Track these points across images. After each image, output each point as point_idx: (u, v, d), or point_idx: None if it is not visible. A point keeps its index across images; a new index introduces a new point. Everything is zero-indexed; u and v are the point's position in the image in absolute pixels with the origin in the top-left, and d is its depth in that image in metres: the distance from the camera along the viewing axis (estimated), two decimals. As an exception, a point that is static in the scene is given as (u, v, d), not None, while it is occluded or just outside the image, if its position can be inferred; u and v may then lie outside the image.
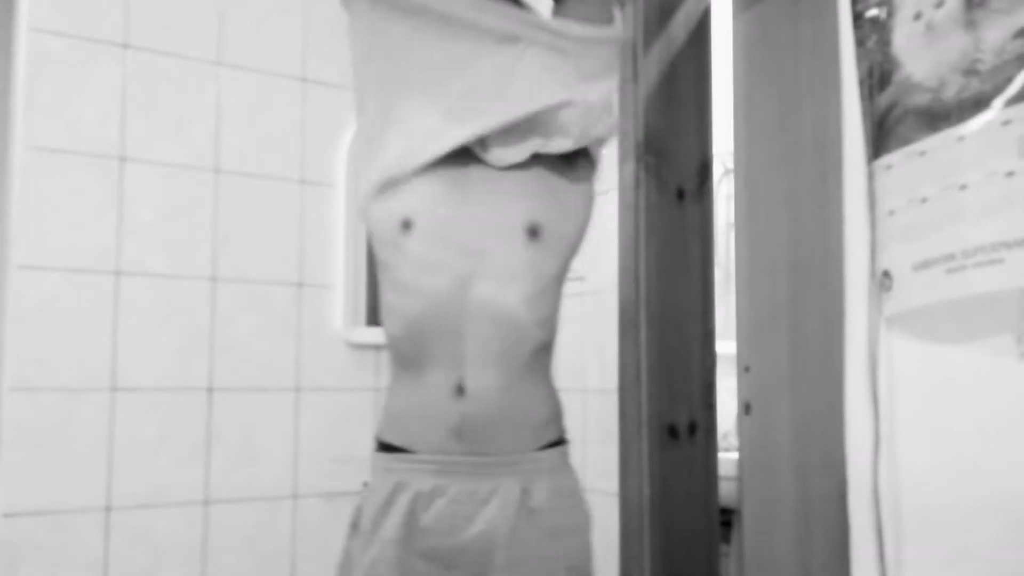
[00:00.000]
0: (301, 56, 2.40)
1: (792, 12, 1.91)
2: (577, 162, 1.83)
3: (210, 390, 2.24)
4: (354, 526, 1.77)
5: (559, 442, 1.82)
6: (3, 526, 2.01)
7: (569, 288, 2.70)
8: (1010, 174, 1.29)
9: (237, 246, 2.29)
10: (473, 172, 1.76)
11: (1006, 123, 1.30)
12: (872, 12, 1.57)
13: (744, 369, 2.01)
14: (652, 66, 2.34)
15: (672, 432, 2.29)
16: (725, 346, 2.27)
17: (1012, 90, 1.30)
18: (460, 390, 1.69)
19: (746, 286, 2.02)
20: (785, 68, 1.92)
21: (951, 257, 1.38)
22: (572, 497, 1.82)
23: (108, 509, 2.11)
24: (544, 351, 1.79)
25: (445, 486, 1.70)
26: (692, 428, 2.32)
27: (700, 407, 2.34)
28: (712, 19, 2.40)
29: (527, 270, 1.73)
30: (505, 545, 1.69)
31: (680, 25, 2.37)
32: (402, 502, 1.71)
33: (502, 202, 1.75)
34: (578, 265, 2.62)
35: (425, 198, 1.75)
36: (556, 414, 1.83)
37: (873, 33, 1.57)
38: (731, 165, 2.13)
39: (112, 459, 2.12)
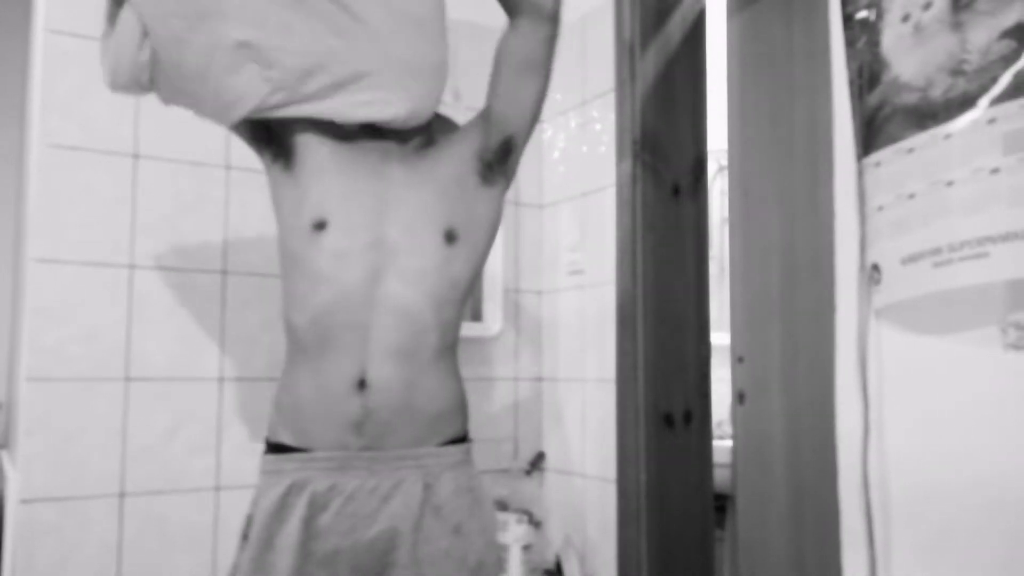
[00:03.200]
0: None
1: (784, 14, 1.91)
2: (495, 178, 1.80)
3: (221, 380, 2.24)
4: (244, 537, 1.68)
5: (463, 439, 1.77)
6: (20, 511, 2.01)
7: (568, 281, 2.72)
8: (995, 171, 1.30)
9: (247, 240, 2.30)
10: (395, 174, 1.75)
11: (991, 121, 1.31)
12: (862, 14, 1.58)
13: (738, 359, 2.01)
14: (648, 66, 2.35)
15: (668, 421, 2.30)
16: (719, 337, 2.28)
17: (997, 89, 1.30)
18: (362, 384, 1.63)
19: (740, 279, 2.03)
20: (777, 68, 1.93)
21: (938, 251, 1.38)
22: (476, 495, 1.73)
23: (122, 495, 2.11)
24: (447, 350, 1.74)
25: (343, 484, 1.63)
26: (687, 417, 2.33)
27: (695, 396, 2.34)
28: (707, 21, 2.41)
29: (440, 274, 1.70)
30: (409, 542, 1.63)
31: (676, 27, 2.38)
32: (299, 505, 1.62)
33: (423, 205, 1.72)
34: (577, 259, 2.64)
35: (339, 199, 1.72)
36: (460, 409, 1.77)
37: (863, 34, 1.57)
38: (725, 162, 2.13)
39: (126, 446, 2.12)
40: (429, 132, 1.82)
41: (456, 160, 1.77)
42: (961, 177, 1.35)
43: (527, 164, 2.74)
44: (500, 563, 1.74)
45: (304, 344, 1.70)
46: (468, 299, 1.80)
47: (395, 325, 1.65)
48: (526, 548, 2.43)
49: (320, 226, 1.69)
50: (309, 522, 1.63)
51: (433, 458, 1.67)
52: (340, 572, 1.62)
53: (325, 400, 1.65)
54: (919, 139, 1.43)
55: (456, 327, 1.76)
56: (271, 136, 1.76)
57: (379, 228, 1.69)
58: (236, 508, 2.24)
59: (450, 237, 1.71)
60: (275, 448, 1.70)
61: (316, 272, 1.68)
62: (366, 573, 1.62)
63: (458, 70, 2.55)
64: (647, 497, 2.25)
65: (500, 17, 1.74)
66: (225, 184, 2.27)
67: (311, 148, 1.75)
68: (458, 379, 1.77)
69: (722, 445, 2.42)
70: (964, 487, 1.42)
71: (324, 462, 1.65)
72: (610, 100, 2.46)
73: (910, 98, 1.45)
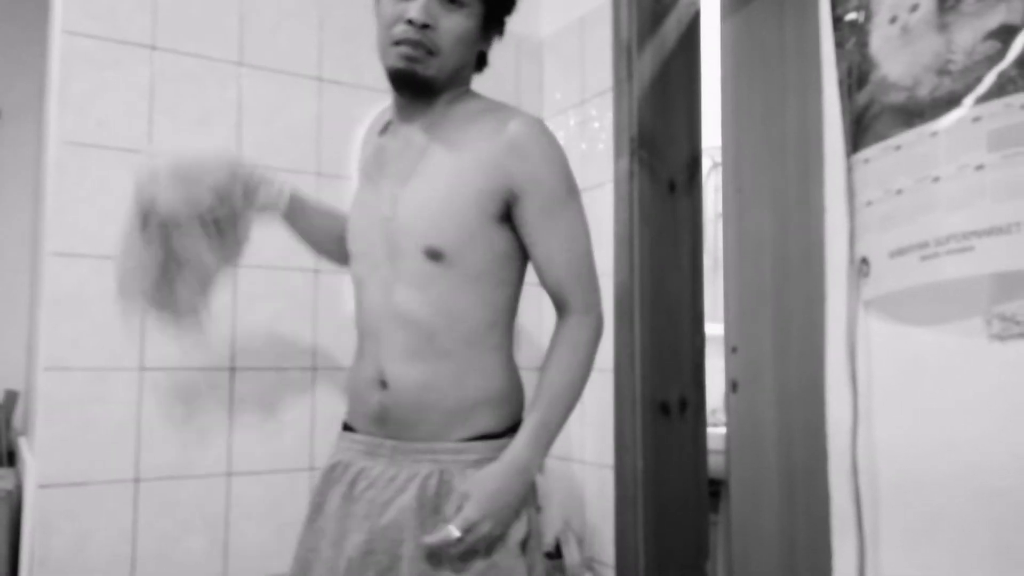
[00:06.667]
0: (317, 57, 2.40)
1: (776, 16, 1.91)
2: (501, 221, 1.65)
3: (232, 369, 2.25)
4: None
5: (498, 435, 1.66)
6: (38, 496, 2.01)
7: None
8: (980, 167, 1.30)
9: (257, 234, 2.30)
10: (384, 190, 1.70)
11: (976, 120, 1.31)
12: (851, 16, 1.58)
13: (732, 349, 2.01)
14: (645, 66, 2.34)
15: (664, 409, 2.30)
16: (713, 328, 2.28)
17: (982, 89, 1.30)
18: (383, 383, 1.64)
19: (733, 272, 2.03)
20: (770, 68, 1.92)
21: (925, 245, 1.39)
22: None
23: (137, 480, 2.12)
24: (473, 347, 1.65)
25: (370, 469, 1.65)
26: (683, 405, 2.33)
27: (690, 385, 2.35)
28: (701, 22, 2.41)
29: (435, 289, 1.61)
30: (415, 536, 1.57)
31: (671, 28, 2.37)
32: (343, 481, 1.68)
33: (404, 224, 1.63)
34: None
35: (353, 226, 1.78)
36: (493, 404, 1.67)
37: (852, 36, 1.57)
38: (719, 159, 2.13)
39: (140, 434, 2.12)
40: (440, 125, 1.68)
41: (452, 183, 1.63)
42: (947, 173, 1.35)
43: (528, 161, 2.74)
44: (526, 567, 1.62)
45: (357, 346, 1.77)
46: (489, 293, 1.67)
47: (403, 334, 1.63)
48: (527, 532, 2.44)
49: (350, 255, 1.79)
50: (347, 499, 1.66)
51: (451, 454, 1.62)
52: (358, 553, 1.62)
53: (358, 393, 1.71)
54: (906, 136, 1.43)
55: (483, 325, 1.66)
56: None
57: (376, 248, 1.69)
58: (247, 493, 2.25)
59: (434, 255, 1.61)
60: (344, 426, 1.78)
61: (355, 294, 1.77)
62: (379, 560, 1.61)
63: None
64: (644, 483, 2.25)
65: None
66: (235, 180, 2.27)
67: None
68: (492, 375, 1.68)
69: (716, 432, 2.42)
70: (950, 474, 1.42)
71: (360, 444, 1.69)
72: (608, 99, 2.46)
73: (898, 97, 1.45)
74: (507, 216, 1.64)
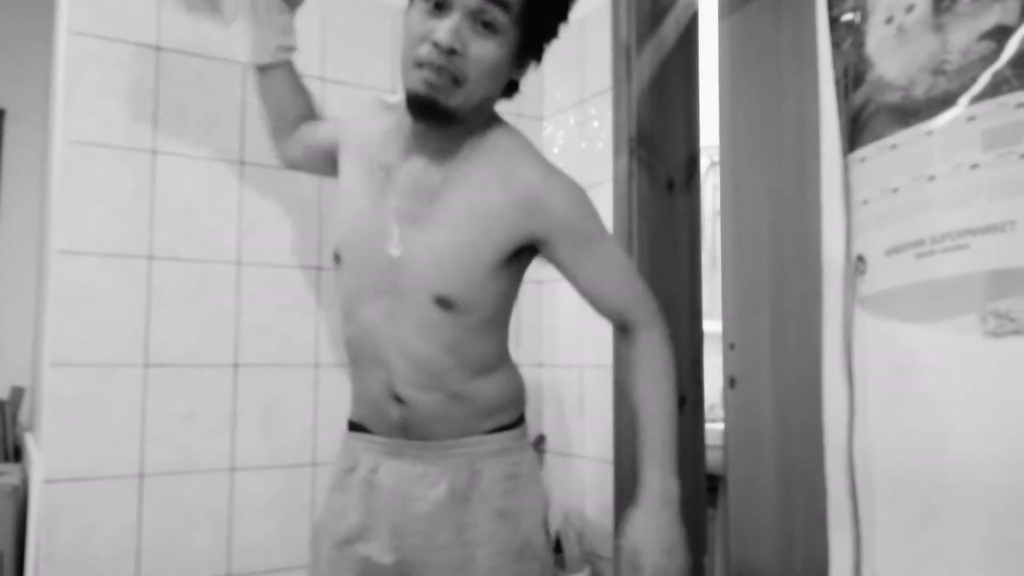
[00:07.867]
0: (319, 57, 2.40)
1: (773, 16, 1.91)
2: (521, 254, 1.59)
3: (235, 366, 2.25)
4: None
5: (513, 425, 1.68)
6: (44, 491, 2.02)
7: (567, 272, 2.72)
8: (975, 166, 1.30)
9: (260, 233, 2.29)
10: (388, 212, 1.58)
11: (971, 119, 1.31)
12: (847, 16, 1.58)
13: (729, 346, 2.02)
14: (644, 66, 2.35)
15: (662, 405, 2.30)
16: (712, 325, 2.28)
17: (977, 88, 1.30)
18: (397, 399, 1.60)
19: (731, 270, 2.03)
20: (767, 68, 1.93)
21: (920, 243, 1.39)
22: (521, 480, 1.65)
23: (141, 476, 2.12)
24: (478, 372, 1.62)
25: (396, 467, 1.64)
26: (681, 401, 2.33)
27: (689, 382, 2.35)
28: (699, 23, 2.41)
29: (440, 333, 1.57)
30: (451, 525, 1.60)
31: (670, 28, 2.38)
32: (359, 475, 1.67)
33: (414, 269, 1.55)
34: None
35: (348, 234, 1.65)
36: (506, 403, 1.68)
37: (848, 36, 1.57)
38: (717, 158, 2.13)
39: (145, 429, 2.13)
40: (447, 162, 1.58)
41: (467, 234, 1.55)
42: (942, 172, 1.35)
43: (528, 160, 2.74)
44: (548, 544, 1.69)
45: (350, 356, 1.71)
46: (498, 336, 1.67)
47: (412, 370, 1.59)
48: (527, 526, 2.44)
49: (338, 259, 1.67)
50: (368, 496, 1.65)
51: (478, 446, 1.63)
52: (384, 550, 1.62)
53: (373, 405, 1.66)
54: (902, 136, 1.43)
55: (491, 358, 1.66)
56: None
57: (378, 271, 1.60)
58: (250, 489, 2.25)
59: (444, 304, 1.55)
60: (351, 425, 1.74)
61: (342, 303, 1.69)
62: (408, 555, 1.62)
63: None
64: (642, 478, 2.25)
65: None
66: (239, 179, 2.27)
67: (342, 166, 1.74)
68: (501, 384, 1.68)
69: (714, 428, 2.42)
70: (945, 469, 1.42)
71: (381, 445, 1.66)
72: (607, 99, 2.46)
73: (893, 97, 1.45)
74: (516, 255, 1.59)
